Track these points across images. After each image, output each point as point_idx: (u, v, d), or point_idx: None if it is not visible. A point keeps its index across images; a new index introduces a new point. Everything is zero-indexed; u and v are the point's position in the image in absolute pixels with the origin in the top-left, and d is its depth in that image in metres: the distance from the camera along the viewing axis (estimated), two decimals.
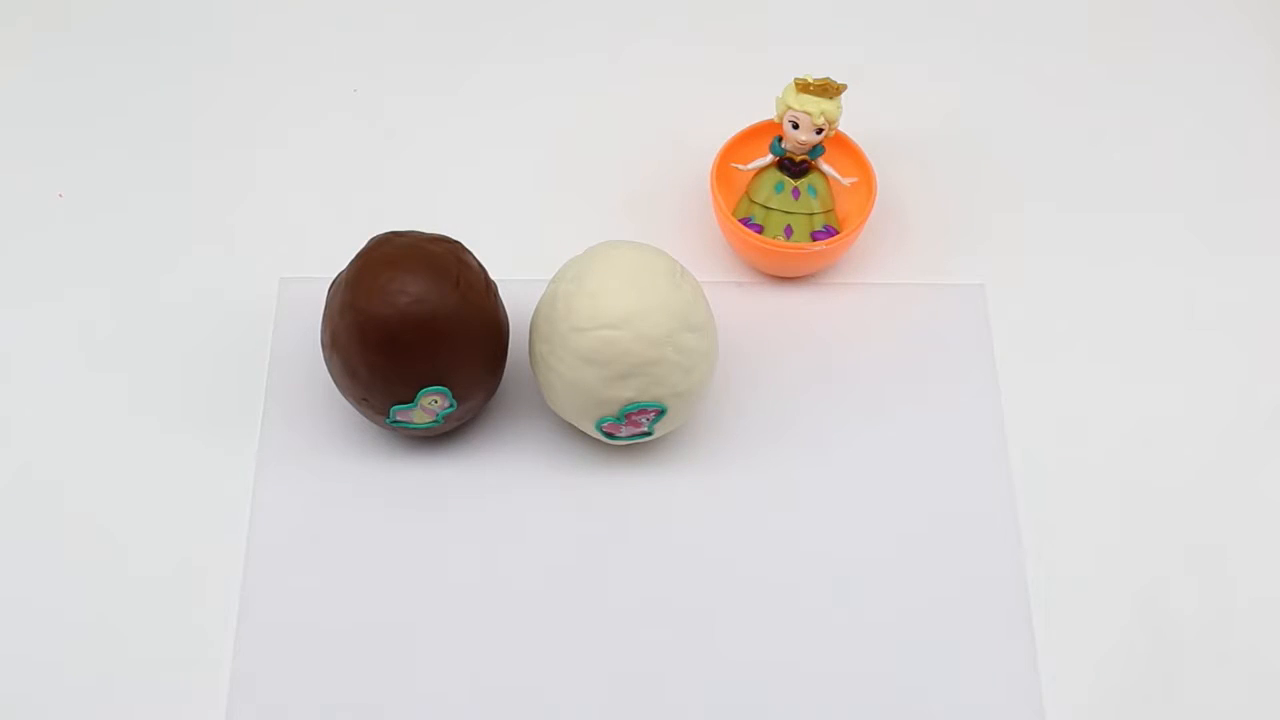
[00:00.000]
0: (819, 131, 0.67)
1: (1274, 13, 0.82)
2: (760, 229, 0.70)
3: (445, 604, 0.63)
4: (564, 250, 0.64)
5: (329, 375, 0.64)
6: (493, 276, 0.64)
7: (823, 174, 0.70)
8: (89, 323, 0.70)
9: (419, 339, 0.60)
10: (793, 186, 0.70)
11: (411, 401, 0.61)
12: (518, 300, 0.66)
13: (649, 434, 0.63)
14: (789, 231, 0.70)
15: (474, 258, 0.63)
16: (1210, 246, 0.73)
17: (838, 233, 0.70)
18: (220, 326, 0.70)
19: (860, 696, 0.61)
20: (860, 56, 0.77)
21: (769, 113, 0.69)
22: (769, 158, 0.70)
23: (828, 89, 0.67)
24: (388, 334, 0.60)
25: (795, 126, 0.68)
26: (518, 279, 0.67)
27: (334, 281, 0.63)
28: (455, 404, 0.62)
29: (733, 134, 0.71)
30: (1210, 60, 0.80)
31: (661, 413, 0.62)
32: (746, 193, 0.71)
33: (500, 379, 0.65)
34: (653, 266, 0.61)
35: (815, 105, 0.67)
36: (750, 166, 0.71)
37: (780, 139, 0.69)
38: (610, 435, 0.63)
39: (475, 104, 0.78)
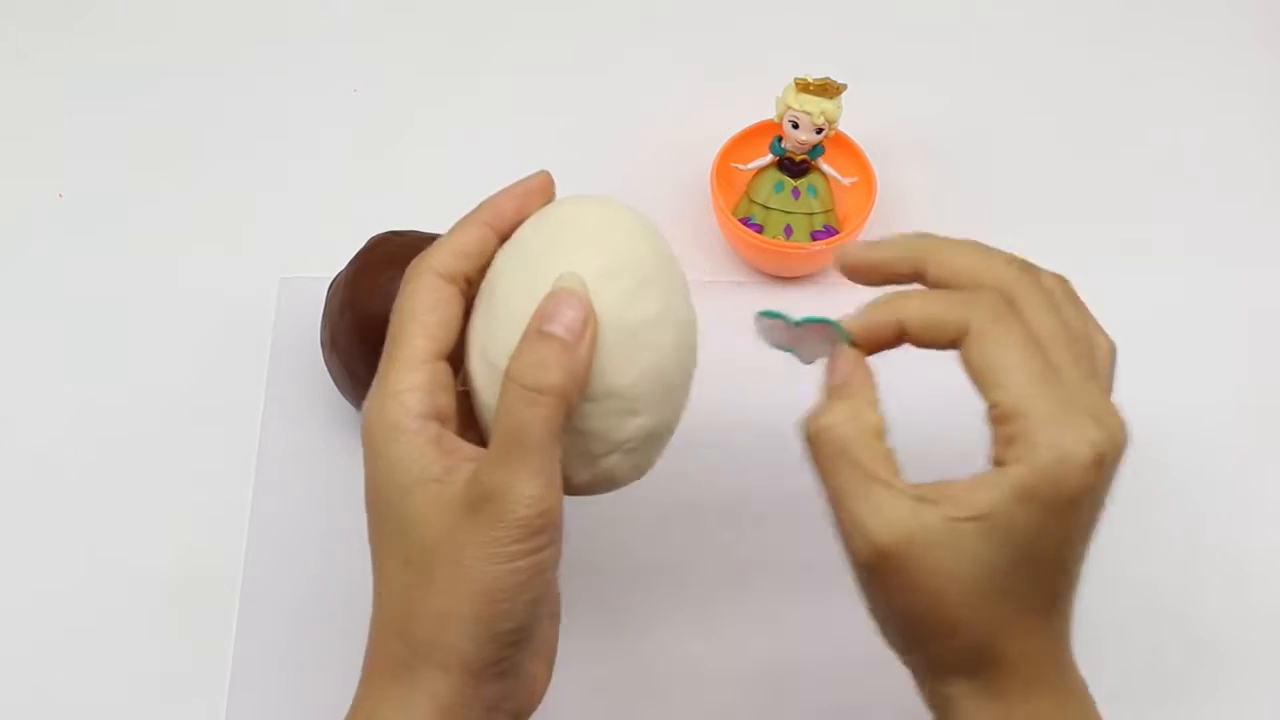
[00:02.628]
0: (819, 131, 0.67)
1: (1274, 21, 0.81)
2: (760, 229, 0.70)
3: None
4: None
5: (329, 375, 0.64)
6: None
7: (823, 174, 0.70)
8: (89, 323, 0.70)
9: None
10: (792, 186, 0.70)
11: None
12: None
13: None
14: (789, 231, 0.70)
15: None
16: (1211, 249, 0.73)
17: (838, 233, 0.70)
18: (220, 326, 0.70)
19: (857, 696, 0.60)
20: (860, 56, 0.77)
21: (769, 113, 0.69)
22: (769, 157, 0.70)
23: (828, 89, 0.67)
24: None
25: (795, 126, 0.68)
26: None
27: (334, 281, 0.63)
28: None
29: (733, 134, 0.71)
30: (1211, 64, 0.80)
31: None
32: (746, 192, 0.71)
33: None
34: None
35: (815, 105, 0.66)
36: (750, 166, 0.71)
37: (780, 139, 0.69)
38: None
39: (475, 103, 0.78)
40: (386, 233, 0.63)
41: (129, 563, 0.64)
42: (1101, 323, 0.72)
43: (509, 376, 0.42)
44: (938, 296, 0.44)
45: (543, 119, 0.77)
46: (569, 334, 0.42)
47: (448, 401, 0.44)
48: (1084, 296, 0.72)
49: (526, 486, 0.41)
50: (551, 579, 0.44)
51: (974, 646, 0.42)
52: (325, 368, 0.64)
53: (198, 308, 0.70)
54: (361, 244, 0.63)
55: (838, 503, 0.42)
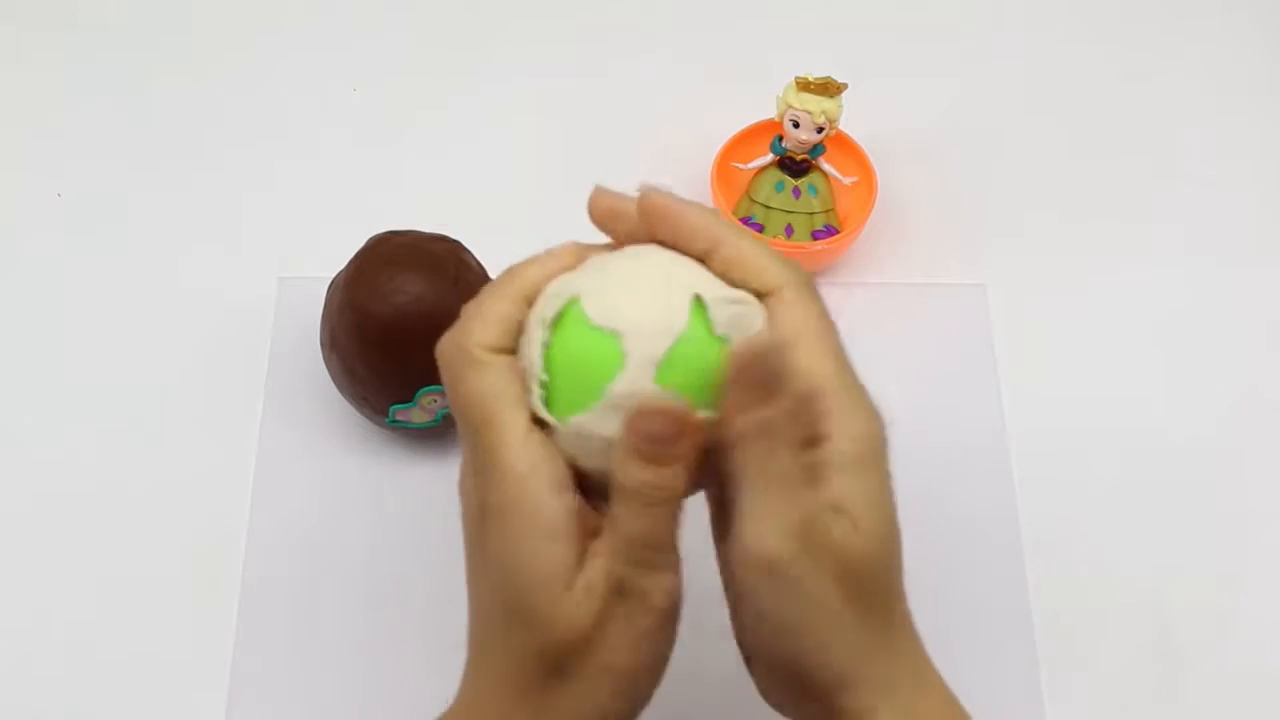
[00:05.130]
0: (820, 130, 0.67)
1: (1275, 20, 0.81)
2: (761, 228, 0.70)
3: (446, 603, 0.63)
4: None
5: (329, 375, 0.64)
6: (492, 276, 0.64)
7: (823, 173, 0.70)
8: (88, 323, 0.70)
9: (418, 338, 0.59)
10: (793, 185, 0.70)
11: (411, 401, 0.61)
12: None
13: None
14: (789, 231, 0.70)
15: (473, 257, 0.63)
16: (1210, 248, 0.73)
17: (838, 232, 0.70)
18: (220, 326, 0.70)
19: None
20: (860, 56, 0.77)
21: (769, 112, 0.69)
22: (769, 157, 0.70)
23: (828, 88, 0.67)
24: (386, 333, 0.60)
25: (796, 125, 0.68)
26: None
27: (333, 281, 0.63)
28: None
29: (733, 133, 0.71)
30: (1211, 64, 0.80)
31: None
32: (747, 192, 0.71)
33: None
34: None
35: (816, 104, 0.66)
36: (751, 165, 0.71)
37: (781, 138, 0.69)
38: None
39: (475, 103, 0.78)
40: (386, 233, 0.63)
41: (129, 562, 0.64)
42: (1102, 322, 0.72)
43: (623, 490, 0.42)
44: (762, 245, 0.44)
45: (543, 119, 0.77)
46: (667, 446, 0.41)
47: (563, 467, 0.43)
48: (1085, 296, 0.72)
49: (661, 581, 0.42)
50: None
51: None
52: (325, 368, 0.64)
53: (197, 308, 0.70)
54: (361, 244, 0.63)
55: None
